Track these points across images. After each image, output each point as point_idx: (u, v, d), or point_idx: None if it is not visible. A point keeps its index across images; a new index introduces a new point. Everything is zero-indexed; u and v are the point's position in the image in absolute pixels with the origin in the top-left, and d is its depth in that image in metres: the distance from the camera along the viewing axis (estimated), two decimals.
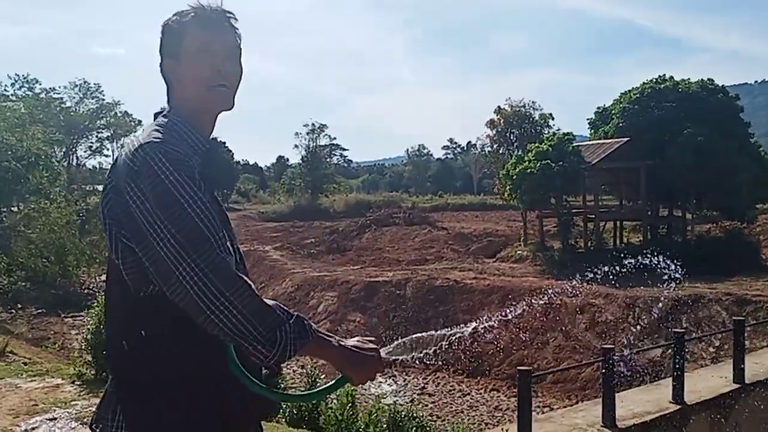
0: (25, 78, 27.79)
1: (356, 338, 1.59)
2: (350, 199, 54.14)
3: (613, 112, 30.11)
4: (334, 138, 64.67)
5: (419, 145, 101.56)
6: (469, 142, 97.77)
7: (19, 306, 16.14)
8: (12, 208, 23.56)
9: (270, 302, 1.44)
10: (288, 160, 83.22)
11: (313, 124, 56.98)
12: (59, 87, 48.66)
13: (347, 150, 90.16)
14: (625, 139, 27.65)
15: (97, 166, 55.67)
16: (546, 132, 34.68)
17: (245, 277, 1.45)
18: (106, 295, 1.71)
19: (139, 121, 58.90)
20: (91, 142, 52.99)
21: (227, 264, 1.44)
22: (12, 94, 27.04)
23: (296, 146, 57.50)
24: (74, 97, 48.93)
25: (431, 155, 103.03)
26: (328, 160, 61.27)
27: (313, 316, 19.87)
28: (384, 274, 22.01)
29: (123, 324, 1.60)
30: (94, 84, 50.46)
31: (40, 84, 28.88)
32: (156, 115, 1.73)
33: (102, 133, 53.73)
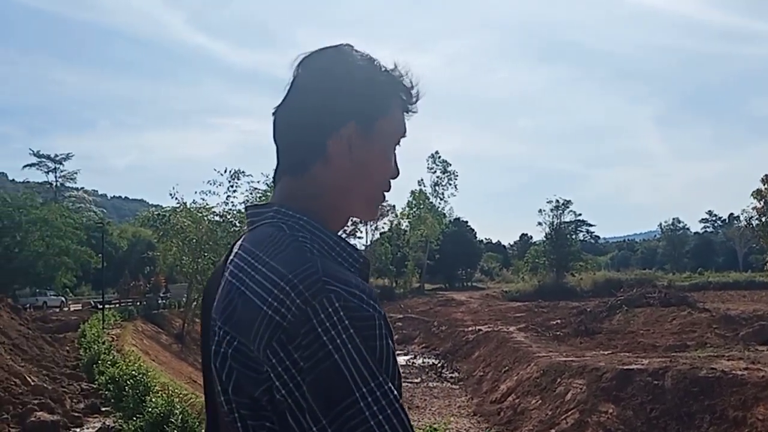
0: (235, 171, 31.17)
1: None
2: (598, 277, 51.71)
3: None
4: (580, 214, 62.83)
5: (673, 219, 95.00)
6: (732, 214, 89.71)
7: None
8: None
9: None
10: (531, 237, 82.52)
11: (557, 201, 56.13)
12: None
13: (594, 225, 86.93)
14: None
15: None
16: None
17: None
18: None
19: (392, 206, 62.53)
20: (346, 226, 57.24)
21: None
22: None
23: (540, 223, 56.89)
24: None
25: (688, 229, 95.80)
26: (573, 236, 59.43)
27: (561, 405, 18.76)
28: (638, 361, 20.25)
29: None
30: None
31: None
32: (248, 210, 1.18)
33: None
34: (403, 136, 1.22)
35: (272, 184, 1.20)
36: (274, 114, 1.19)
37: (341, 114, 1.13)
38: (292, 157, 1.16)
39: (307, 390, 0.91)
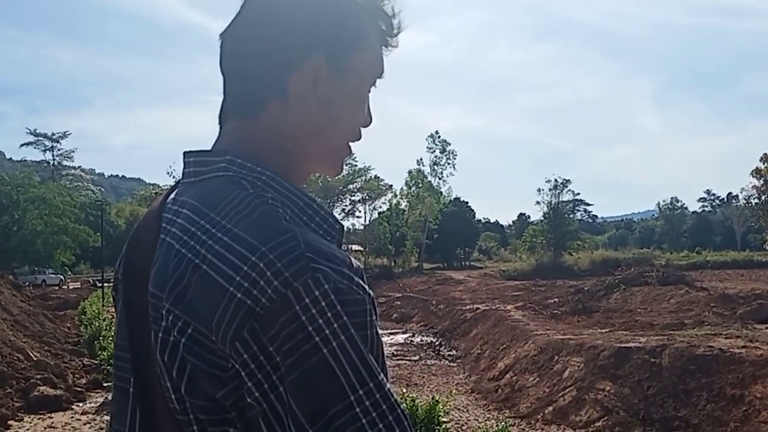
0: None
1: None
2: (596, 256, 51.82)
3: None
4: (578, 193, 63.19)
5: (672, 198, 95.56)
6: (730, 193, 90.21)
7: None
8: None
9: None
10: (529, 217, 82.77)
11: (555, 180, 56.06)
12: None
13: (592, 205, 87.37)
14: None
15: (350, 227, 60.34)
16: None
17: None
18: None
19: (390, 186, 62.63)
20: (345, 205, 57.66)
21: None
22: None
23: (538, 203, 56.90)
24: None
25: (686, 208, 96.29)
26: (571, 216, 59.54)
27: (558, 382, 18.90)
28: (636, 339, 20.39)
29: None
30: None
31: None
32: (189, 156, 0.94)
33: (355, 196, 58.10)
34: (380, 76, 1.00)
35: (219, 123, 0.98)
36: (221, 36, 0.96)
37: (307, 44, 0.91)
38: (244, 94, 0.94)
39: (287, 392, 0.73)
